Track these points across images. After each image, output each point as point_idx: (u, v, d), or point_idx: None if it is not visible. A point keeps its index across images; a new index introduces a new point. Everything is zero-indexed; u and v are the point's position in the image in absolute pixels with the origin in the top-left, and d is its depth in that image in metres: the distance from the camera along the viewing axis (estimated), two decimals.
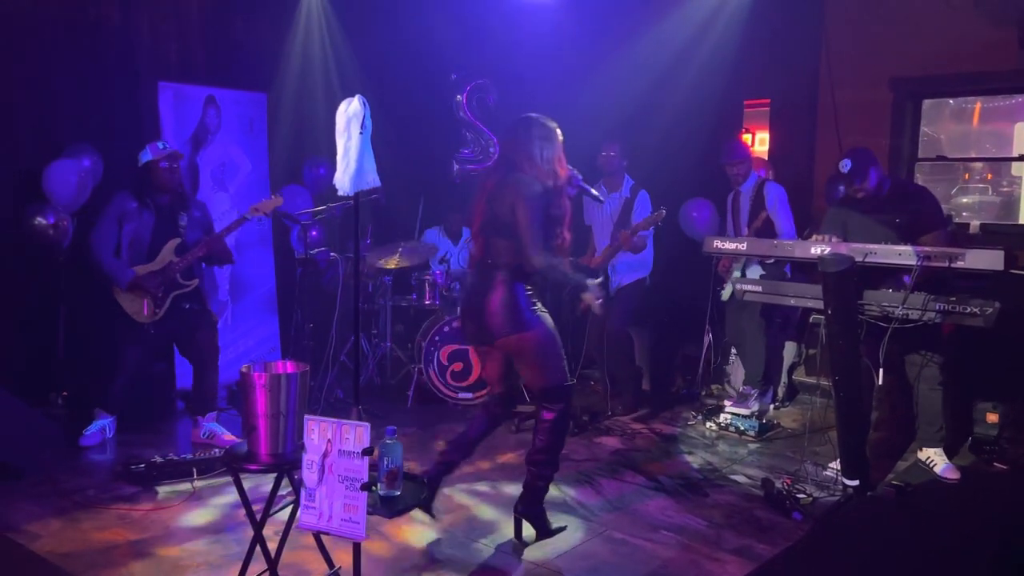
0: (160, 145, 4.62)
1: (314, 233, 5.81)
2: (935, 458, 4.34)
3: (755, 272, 5.25)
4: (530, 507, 3.51)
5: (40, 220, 4.89)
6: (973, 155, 9.19)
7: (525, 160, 3.36)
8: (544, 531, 3.52)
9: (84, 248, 4.57)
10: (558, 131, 3.45)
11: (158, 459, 4.25)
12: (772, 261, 5.17)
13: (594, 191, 3.69)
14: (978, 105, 8.91)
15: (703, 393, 5.75)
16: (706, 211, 5.67)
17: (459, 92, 6.66)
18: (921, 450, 4.41)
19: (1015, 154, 9.10)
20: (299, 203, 6.07)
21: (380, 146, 3.78)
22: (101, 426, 4.68)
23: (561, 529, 3.58)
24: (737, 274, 5.25)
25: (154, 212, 4.61)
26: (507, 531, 3.63)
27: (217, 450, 4.34)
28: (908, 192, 4.36)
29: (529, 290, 3.41)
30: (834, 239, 4.01)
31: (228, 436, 4.78)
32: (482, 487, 4.19)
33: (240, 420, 5.15)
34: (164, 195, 4.63)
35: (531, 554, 3.44)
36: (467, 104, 6.68)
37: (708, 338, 5.60)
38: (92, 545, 3.44)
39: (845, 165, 4.22)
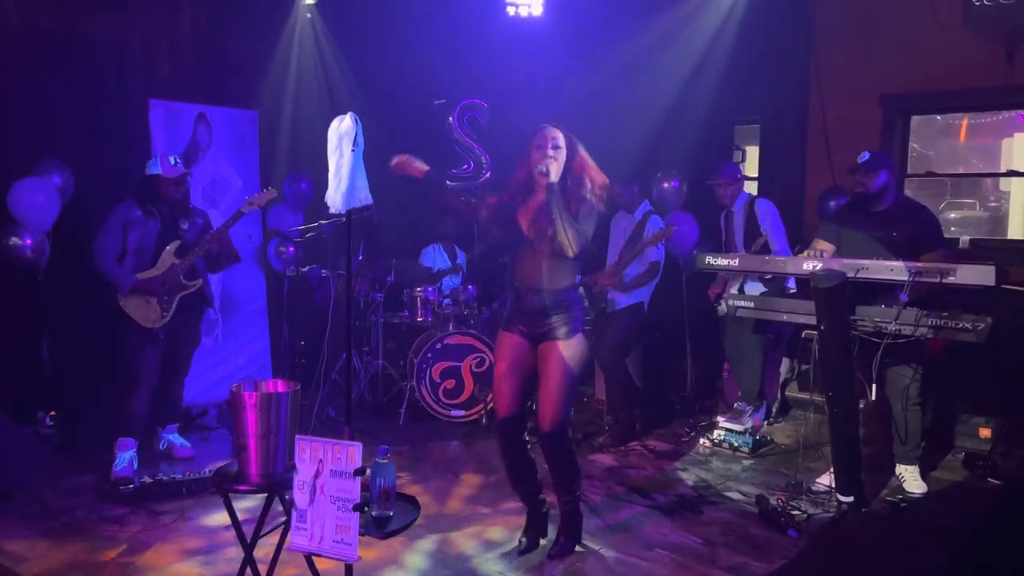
0: (172, 161, 4.55)
1: (291, 249, 5.78)
2: (906, 475, 4.36)
3: (755, 289, 5.24)
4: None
5: (15, 240, 4.84)
6: (961, 171, 9.25)
7: None
8: None
9: (88, 254, 4.50)
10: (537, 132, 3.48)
11: (147, 479, 4.20)
12: (771, 277, 5.17)
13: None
14: (965, 121, 8.97)
15: (696, 409, 5.74)
16: (686, 224, 5.61)
17: (450, 113, 6.70)
18: (897, 466, 4.43)
19: (1003, 169, 9.17)
20: (288, 220, 6.06)
21: (372, 163, 3.78)
22: (129, 458, 4.44)
23: None
24: (735, 290, 5.24)
25: (158, 220, 4.58)
26: (497, 551, 3.61)
27: (207, 470, 4.29)
28: (910, 210, 4.30)
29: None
30: (826, 254, 4.01)
31: (185, 449, 4.84)
32: (471, 507, 4.16)
33: (230, 439, 5.12)
34: (167, 205, 4.61)
35: (523, 574, 3.41)
36: (458, 123, 6.71)
37: (689, 354, 5.61)
38: (80, 567, 3.39)
39: (863, 156, 4.24)
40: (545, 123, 3.46)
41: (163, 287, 4.55)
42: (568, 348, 3.39)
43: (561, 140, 3.41)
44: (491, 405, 5.55)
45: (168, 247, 4.60)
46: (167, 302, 4.57)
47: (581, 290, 3.51)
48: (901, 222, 4.19)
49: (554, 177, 3.35)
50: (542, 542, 3.62)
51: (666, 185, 5.87)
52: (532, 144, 3.43)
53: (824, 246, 4.34)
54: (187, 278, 4.65)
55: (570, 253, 3.33)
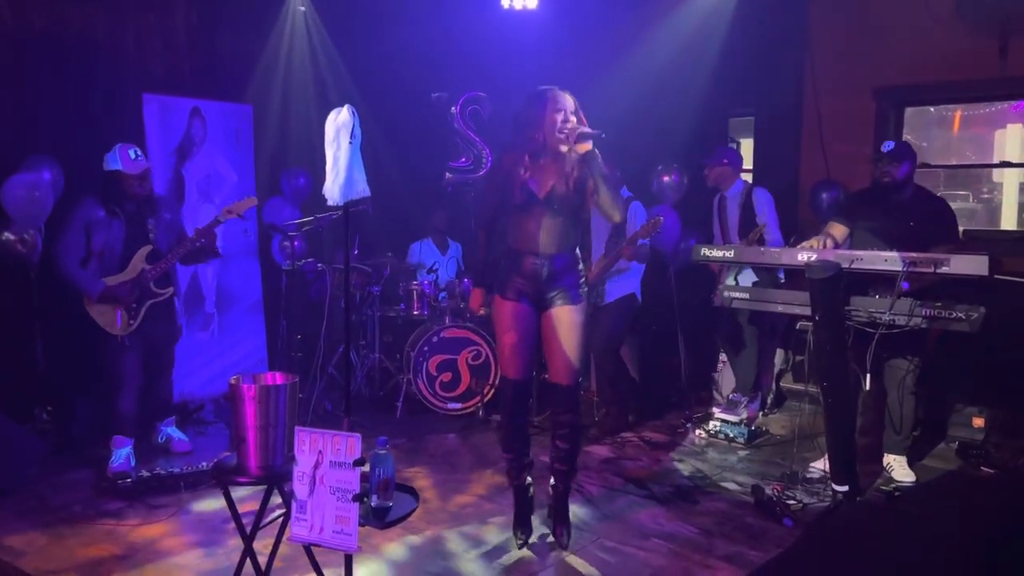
0: (131, 154, 4.30)
1: (296, 244, 5.79)
2: (894, 464, 4.39)
3: (749, 278, 5.26)
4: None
5: (7, 235, 4.82)
6: (955, 162, 9.26)
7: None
8: None
9: (50, 259, 4.38)
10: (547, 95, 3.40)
11: (145, 473, 4.21)
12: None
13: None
14: (958, 112, 8.99)
15: (692, 401, 5.76)
16: (669, 218, 5.55)
17: (452, 105, 6.71)
18: (884, 456, 4.45)
19: (996, 160, 9.19)
20: (285, 214, 6.06)
21: (368, 156, 3.79)
22: (126, 455, 4.42)
23: None
24: (730, 281, 5.25)
25: (123, 220, 4.34)
26: (495, 542, 3.63)
27: (204, 463, 4.30)
28: (928, 201, 4.30)
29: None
30: (838, 238, 4.00)
31: (183, 444, 4.82)
32: (470, 499, 4.18)
33: (226, 433, 5.13)
34: (131, 202, 4.37)
35: (521, 565, 3.43)
36: (460, 116, 6.73)
37: (681, 347, 5.62)
38: (78, 561, 3.40)
39: (887, 145, 4.27)
40: (552, 86, 3.43)
41: (132, 294, 4.35)
42: (577, 313, 3.43)
43: (573, 103, 3.42)
44: (488, 397, 5.57)
45: (139, 252, 4.40)
46: (135, 310, 4.37)
47: (578, 252, 3.51)
48: (918, 212, 4.18)
49: (573, 141, 3.35)
50: (532, 538, 3.63)
51: (666, 179, 5.87)
52: (548, 107, 3.36)
53: (838, 229, 4.35)
54: (158, 286, 4.45)
55: (617, 218, 3.47)
